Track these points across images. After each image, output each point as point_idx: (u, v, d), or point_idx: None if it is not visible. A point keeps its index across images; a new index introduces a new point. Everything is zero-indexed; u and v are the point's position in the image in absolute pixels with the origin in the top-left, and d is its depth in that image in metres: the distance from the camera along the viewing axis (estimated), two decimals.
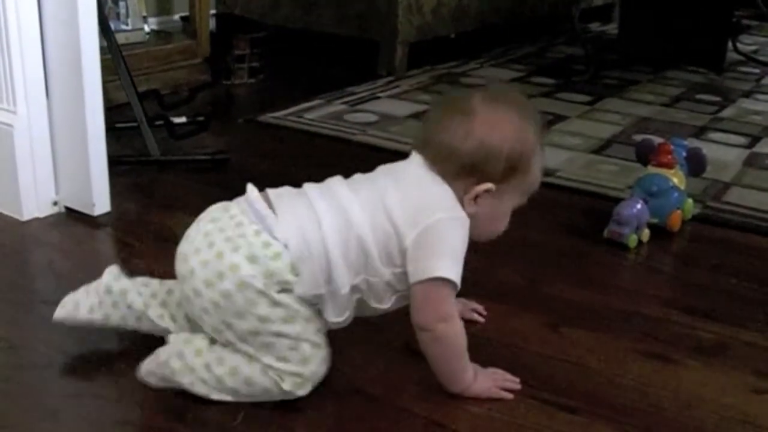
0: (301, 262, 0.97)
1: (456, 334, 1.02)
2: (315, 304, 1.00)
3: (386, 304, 1.04)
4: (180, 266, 1.01)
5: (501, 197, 1.04)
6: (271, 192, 1.03)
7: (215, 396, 1.00)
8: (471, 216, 1.02)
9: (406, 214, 0.99)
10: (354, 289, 1.00)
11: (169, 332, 1.05)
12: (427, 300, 1.00)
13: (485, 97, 1.04)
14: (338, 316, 1.02)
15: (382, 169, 1.08)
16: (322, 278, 0.98)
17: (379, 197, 1.01)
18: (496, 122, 1.02)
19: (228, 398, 1.00)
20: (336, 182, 1.05)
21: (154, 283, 1.10)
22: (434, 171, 1.02)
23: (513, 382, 1.07)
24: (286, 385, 0.99)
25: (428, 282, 0.98)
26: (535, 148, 1.05)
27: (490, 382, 1.06)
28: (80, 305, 1.08)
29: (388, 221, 0.99)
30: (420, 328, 1.01)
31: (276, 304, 0.97)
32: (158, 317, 1.07)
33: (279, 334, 0.97)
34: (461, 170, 1.01)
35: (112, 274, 1.10)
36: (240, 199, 1.03)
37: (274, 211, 0.99)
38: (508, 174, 1.02)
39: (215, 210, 1.03)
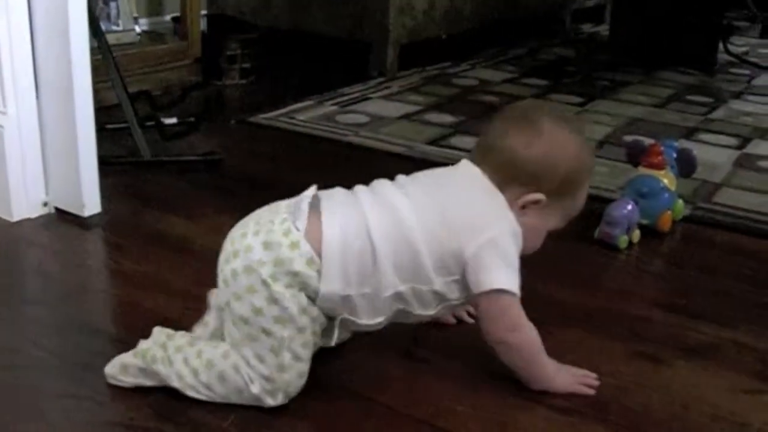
0: (331, 258, 0.96)
1: (530, 340, 1.04)
2: (334, 317, 1.00)
3: (431, 311, 1.03)
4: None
5: (546, 214, 1.06)
6: (321, 192, 1.04)
7: (190, 393, 1.00)
8: None
9: (464, 222, 1.00)
10: (397, 296, 1.00)
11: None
12: (493, 313, 1.02)
13: (554, 115, 1.08)
14: (371, 319, 1.01)
15: (431, 174, 1.08)
16: (356, 278, 0.97)
17: (432, 201, 1.01)
18: (562, 140, 1.05)
19: (202, 396, 1.00)
20: (384, 184, 1.06)
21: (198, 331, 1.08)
22: (489, 178, 1.04)
23: (592, 378, 1.09)
24: (255, 389, 0.98)
25: (491, 293, 1.00)
26: (588, 178, 1.09)
27: (571, 378, 1.08)
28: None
29: (442, 226, 0.99)
30: (494, 342, 1.04)
31: (273, 301, 0.96)
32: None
33: (266, 332, 0.97)
34: (518, 178, 1.03)
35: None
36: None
37: (319, 209, 0.99)
38: (560, 192, 1.05)
39: (276, 203, 1.04)
